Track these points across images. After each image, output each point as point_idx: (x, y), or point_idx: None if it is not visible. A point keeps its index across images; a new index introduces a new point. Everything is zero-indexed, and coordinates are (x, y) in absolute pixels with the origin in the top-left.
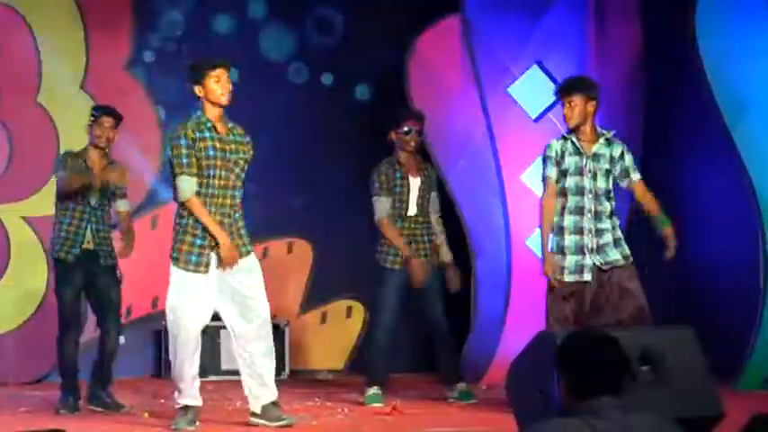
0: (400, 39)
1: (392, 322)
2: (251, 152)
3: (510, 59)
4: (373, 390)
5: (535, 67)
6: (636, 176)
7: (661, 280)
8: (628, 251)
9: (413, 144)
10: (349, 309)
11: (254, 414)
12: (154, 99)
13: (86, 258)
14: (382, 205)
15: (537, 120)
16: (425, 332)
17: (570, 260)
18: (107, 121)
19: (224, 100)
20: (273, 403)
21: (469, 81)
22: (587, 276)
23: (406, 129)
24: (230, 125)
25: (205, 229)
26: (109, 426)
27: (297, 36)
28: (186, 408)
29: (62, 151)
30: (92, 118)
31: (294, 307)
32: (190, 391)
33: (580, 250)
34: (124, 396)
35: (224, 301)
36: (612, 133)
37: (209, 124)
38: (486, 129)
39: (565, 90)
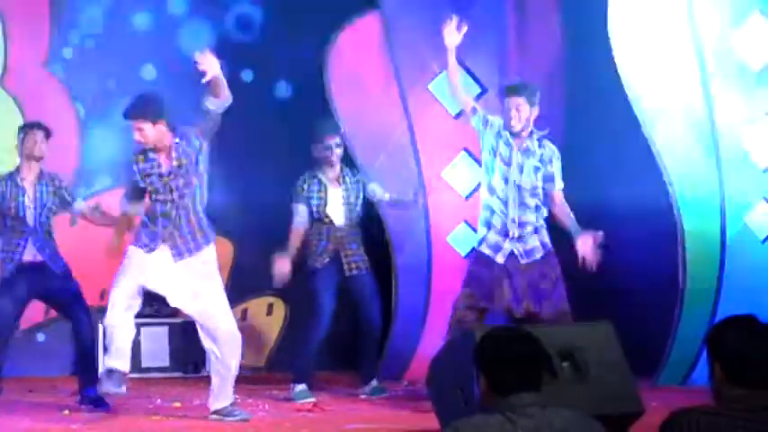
0: (321, 35)
1: (328, 323)
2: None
3: (430, 56)
4: (302, 386)
5: None
6: (558, 185)
7: (582, 278)
8: (546, 240)
9: (334, 157)
10: (270, 306)
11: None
12: (73, 96)
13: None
14: (295, 211)
15: (457, 116)
16: (347, 330)
17: (492, 237)
18: (38, 134)
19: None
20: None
21: (389, 78)
22: (501, 259)
23: (327, 143)
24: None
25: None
26: (26, 424)
27: (216, 32)
28: (111, 371)
29: None
30: (21, 133)
31: None
32: (117, 353)
33: (503, 233)
34: (40, 396)
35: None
36: (546, 131)
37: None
38: (407, 126)
39: (513, 90)
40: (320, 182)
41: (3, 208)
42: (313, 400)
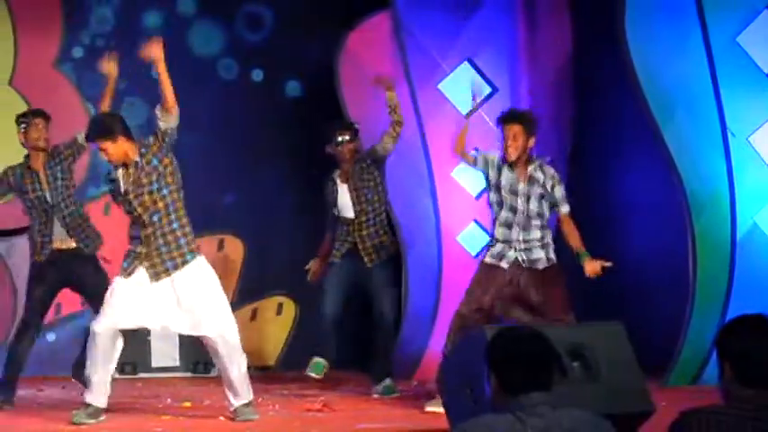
0: (331, 34)
1: (332, 313)
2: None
3: (440, 56)
4: (318, 359)
5: (466, 63)
6: (564, 209)
7: (593, 279)
8: (552, 255)
9: (347, 153)
10: (280, 305)
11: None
12: (83, 96)
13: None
14: (328, 226)
15: (468, 116)
16: (358, 329)
17: (497, 247)
18: (40, 122)
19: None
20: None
21: (400, 78)
22: (505, 264)
23: (338, 139)
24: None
25: (137, 241)
26: (34, 423)
27: (227, 32)
28: (88, 405)
29: None
30: (23, 124)
31: None
32: (95, 390)
33: (507, 243)
34: (53, 394)
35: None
36: (548, 160)
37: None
38: (417, 125)
39: (510, 119)
40: (333, 180)
41: (25, 199)
42: (320, 374)
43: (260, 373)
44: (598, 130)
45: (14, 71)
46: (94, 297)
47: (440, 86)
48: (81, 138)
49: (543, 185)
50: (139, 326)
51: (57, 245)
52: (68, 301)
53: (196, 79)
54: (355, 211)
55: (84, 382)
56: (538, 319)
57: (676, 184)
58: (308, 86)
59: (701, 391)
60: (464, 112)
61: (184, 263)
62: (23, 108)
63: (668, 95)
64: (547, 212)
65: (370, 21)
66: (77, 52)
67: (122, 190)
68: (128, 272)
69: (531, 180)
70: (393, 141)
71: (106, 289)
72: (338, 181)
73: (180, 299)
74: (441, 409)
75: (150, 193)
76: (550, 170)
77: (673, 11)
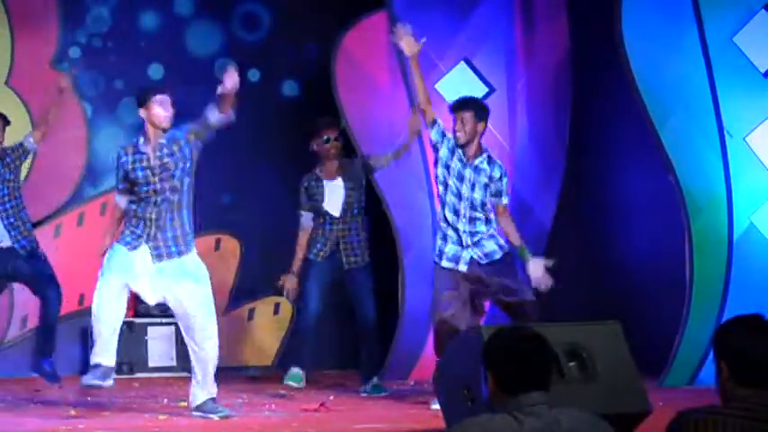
0: (328, 34)
1: (315, 313)
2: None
3: (437, 56)
4: (295, 369)
5: (463, 63)
6: (504, 200)
7: (589, 277)
8: (502, 241)
9: (333, 151)
10: (276, 305)
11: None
12: (80, 95)
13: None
14: (301, 220)
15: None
16: (353, 330)
17: (450, 248)
18: None
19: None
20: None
21: (397, 78)
22: (463, 267)
23: (324, 137)
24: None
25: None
26: (32, 424)
27: (223, 32)
28: (97, 365)
29: None
30: None
31: (221, 303)
32: (102, 349)
33: (458, 243)
34: (50, 394)
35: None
36: (494, 152)
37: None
38: None
39: (458, 106)
40: (317, 177)
41: None
42: (299, 384)
43: (257, 373)
44: (595, 131)
45: (11, 71)
46: (37, 282)
47: (437, 86)
48: (28, 142)
49: (490, 176)
50: (133, 290)
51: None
52: (65, 300)
53: (193, 79)
54: (342, 210)
55: (44, 375)
56: (507, 302)
57: (673, 184)
58: (304, 86)
59: (698, 391)
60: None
61: (187, 251)
62: (20, 108)
63: (665, 95)
64: (489, 205)
65: (366, 20)
66: (74, 52)
67: (150, 165)
68: (132, 246)
69: (478, 170)
70: (393, 160)
71: (48, 272)
72: (324, 178)
73: (170, 283)
74: None
75: (172, 178)
76: (498, 161)
77: (669, 10)
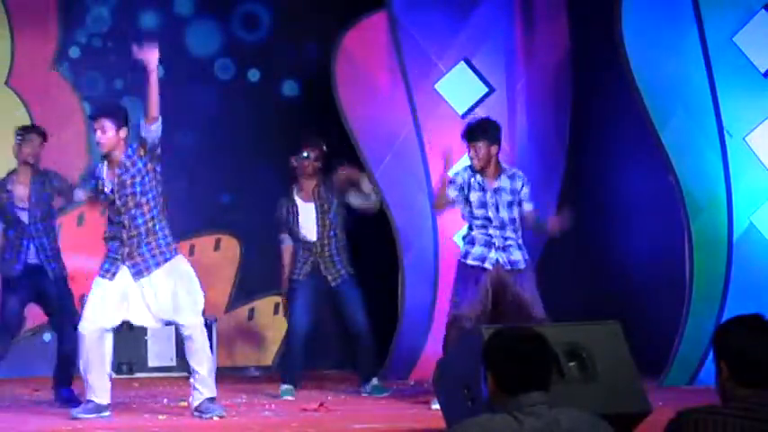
0: (328, 34)
1: (304, 329)
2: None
3: (437, 56)
4: (286, 386)
5: (462, 63)
6: (527, 207)
7: (589, 277)
8: (528, 256)
9: (310, 169)
10: (276, 305)
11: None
12: (80, 95)
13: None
14: (281, 242)
15: (464, 116)
16: (369, 330)
17: (477, 249)
18: (36, 139)
19: None
20: (209, 399)
21: (396, 78)
22: (488, 265)
23: (304, 154)
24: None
25: (118, 242)
26: (33, 424)
27: (223, 32)
28: (90, 402)
29: None
30: (18, 137)
31: (221, 303)
32: (94, 389)
33: (487, 245)
34: (46, 395)
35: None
36: (516, 169)
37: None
38: (414, 125)
39: (470, 136)
40: (291, 201)
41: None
42: (293, 397)
43: (257, 373)
44: (595, 131)
45: (11, 71)
46: (57, 312)
47: (436, 86)
48: (77, 194)
49: (512, 190)
50: (121, 322)
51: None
52: None
53: (193, 79)
54: (318, 233)
55: (64, 403)
56: (521, 319)
57: (673, 184)
58: (304, 86)
59: (697, 390)
60: (461, 112)
61: (165, 260)
62: (20, 108)
63: (665, 96)
64: (517, 217)
65: (366, 20)
66: (74, 52)
67: (107, 189)
68: (111, 272)
69: (499, 190)
70: (357, 204)
71: (69, 307)
72: (298, 200)
73: (158, 293)
74: None
75: (134, 194)
76: (518, 173)
77: (669, 10)
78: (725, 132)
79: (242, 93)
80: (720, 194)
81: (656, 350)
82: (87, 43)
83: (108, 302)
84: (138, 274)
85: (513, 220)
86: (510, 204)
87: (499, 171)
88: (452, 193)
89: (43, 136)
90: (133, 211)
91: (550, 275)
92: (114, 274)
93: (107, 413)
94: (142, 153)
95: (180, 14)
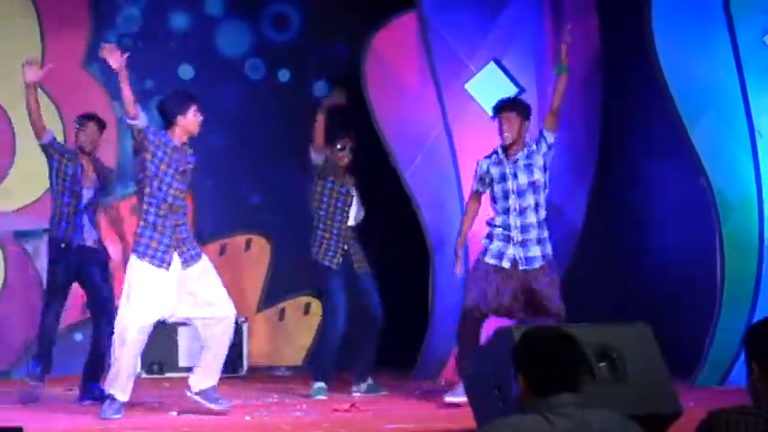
0: (358, 34)
1: (345, 321)
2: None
3: (467, 56)
4: (319, 384)
5: (492, 63)
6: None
7: (619, 278)
8: (549, 251)
9: (346, 160)
10: (307, 305)
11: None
12: (110, 95)
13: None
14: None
15: (494, 116)
16: (382, 329)
17: (495, 245)
18: (92, 126)
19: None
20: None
21: (426, 78)
22: (506, 264)
23: (338, 146)
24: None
25: (171, 227)
26: (66, 422)
27: (254, 32)
28: (112, 398)
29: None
30: (77, 125)
31: (252, 304)
32: (122, 383)
33: (505, 239)
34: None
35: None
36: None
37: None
38: (444, 126)
39: (503, 107)
40: (333, 184)
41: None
42: (325, 396)
43: (288, 373)
44: (626, 132)
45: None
46: (97, 298)
47: (467, 86)
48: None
49: (528, 155)
50: (167, 316)
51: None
52: None
53: (223, 79)
54: (355, 220)
55: (94, 398)
56: (537, 316)
57: (704, 185)
58: (334, 86)
59: (728, 391)
60: (491, 112)
61: (201, 254)
62: (50, 108)
63: (696, 96)
64: (541, 188)
65: (396, 21)
66: None
67: (182, 170)
68: (167, 262)
69: (517, 162)
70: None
71: (109, 299)
72: (338, 187)
73: (197, 286)
74: (459, 399)
75: (187, 184)
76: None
77: (700, 11)
78: (756, 133)
79: (272, 93)
80: (751, 195)
81: (687, 351)
82: (118, 43)
83: (159, 294)
84: (185, 262)
85: (532, 185)
86: (528, 167)
87: (522, 148)
88: (480, 187)
89: (101, 123)
90: (183, 199)
91: (582, 277)
92: (169, 264)
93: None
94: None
95: (210, 15)
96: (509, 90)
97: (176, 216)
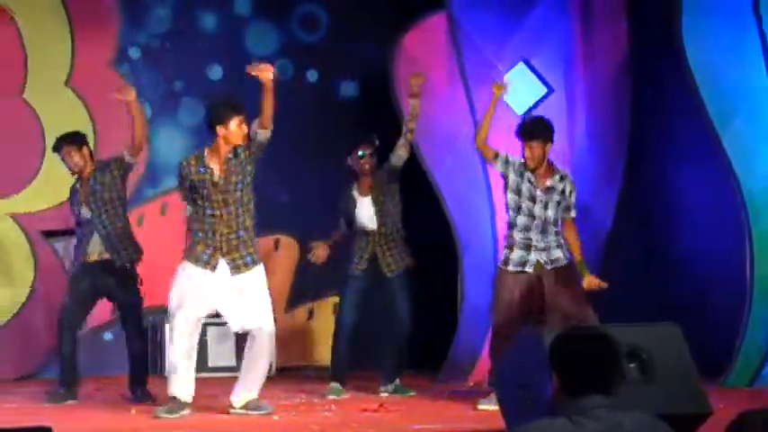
0: (386, 35)
1: (350, 325)
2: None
3: (496, 56)
4: (334, 384)
5: (521, 63)
6: (572, 214)
7: (649, 279)
8: (568, 253)
9: (366, 167)
10: (335, 305)
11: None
12: (139, 96)
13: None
14: (339, 227)
15: (523, 116)
16: (410, 331)
17: (516, 254)
18: (70, 150)
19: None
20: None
21: (456, 78)
22: (529, 269)
23: (360, 152)
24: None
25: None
26: (97, 423)
27: (282, 33)
28: (174, 398)
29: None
30: (60, 155)
31: (281, 303)
32: (178, 383)
33: (526, 248)
34: (115, 391)
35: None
36: (566, 172)
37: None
38: (473, 125)
39: (526, 135)
40: (350, 195)
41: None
42: (339, 396)
43: (315, 373)
44: (655, 132)
45: (71, 71)
46: (124, 311)
47: None
48: (127, 156)
49: (562, 192)
50: (212, 313)
51: (93, 258)
52: None
53: (252, 80)
54: (377, 224)
55: (138, 400)
56: (564, 318)
57: (734, 185)
58: (362, 87)
59: (758, 391)
60: (520, 112)
61: (256, 261)
62: (80, 109)
63: (726, 97)
64: (560, 221)
65: (425, 21)
66: (134, 52)
67: (214, 181)
68: (210, 264)
69: (549, 190)
70: (406, 149)
71: (137, 307)
72: (356, 195)
73: (244, 293)
74: (493, 407)
75: (235, 190)
76: (569, 177)
77: (729, 12)
78: None
79: (300, 93)
80: None
81: (716, 351)
82: (147, 44)
83: (202, 292)
84: (236, 268)
85: (556, 222)
86: (558, 204)
87: (551, 171)
88: (500, 167)
89: (75, 144)
90: (232, 206)
91: (611, 277)
92: (214, 267)
93: (186, 411)
94: (249, 152)
95: (239, 15)
96: (538, 90)
97: (223, 223)
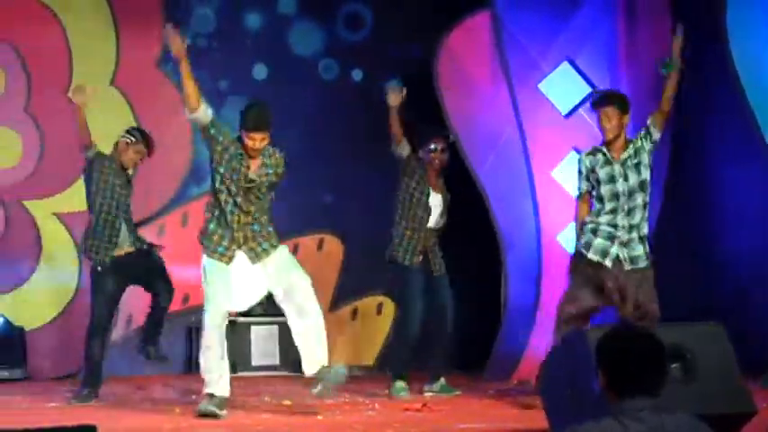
0: (430, 34)
1: (420, 320)
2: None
3: (540, 56)
4: (400, 383)
5: (566, 63)
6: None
7: (693, 279)
8: (649, 250)
9: (437, 162)
10: (380, 305)
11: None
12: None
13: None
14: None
15: (567, 116)
16: (452, 331)
17: (599, 242)
18: (142, 148)
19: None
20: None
21: (499, 77)
22: (608, 263)
23: (432, 146)
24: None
25: (234, 223)
26: (136, 421)
27: (327, 32)
28: (212, 395)
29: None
30: (132, 138)
31: (325, 303)
32: (216, 380)
33: (609, 238)
34: (153, 392)
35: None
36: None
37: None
38: (517, 125)
39: (601, 101)
40: (425, 183)
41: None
42: (407, 395)
43: (359, 373)
44: (698, 130)
45: (117, 71)
46: (153, 282)
47: (540, 86)
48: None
49: (637, 153)
50: (242, 306)
51: (119, 251)
52: None
53: (297, 79)
54: (437, 223)
55: (148, 356)
56: (635, 317)
57: None
58: (407, 86)
59: None
60: (564, 112)
61: (275, 246)
62: (125, 108)
63: None
64: (648, 186)
65: (469, 20)
66: None
67: (249, 177)
68: (228, 257)
69: (625, 161)
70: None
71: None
72: (429, 187)
73: (268, 265)
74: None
75: (264, 186)
76: (641, 133)
77: None
78: None
79: (345, 92)
80: None
81: (759, 351)
82: (192, 43)
83: (228, 286)
84: (255, 257)
85: (642, 184)
86: (637, 166)
87: (627, 146)
88: (582, 185)
89: (151, 146)
90: (259, 200)
91: (654, 278)
92: (231, 258)
93: (225, 411)
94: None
95: (284, 14)
96: (583, 90)
97: (246, 216)
